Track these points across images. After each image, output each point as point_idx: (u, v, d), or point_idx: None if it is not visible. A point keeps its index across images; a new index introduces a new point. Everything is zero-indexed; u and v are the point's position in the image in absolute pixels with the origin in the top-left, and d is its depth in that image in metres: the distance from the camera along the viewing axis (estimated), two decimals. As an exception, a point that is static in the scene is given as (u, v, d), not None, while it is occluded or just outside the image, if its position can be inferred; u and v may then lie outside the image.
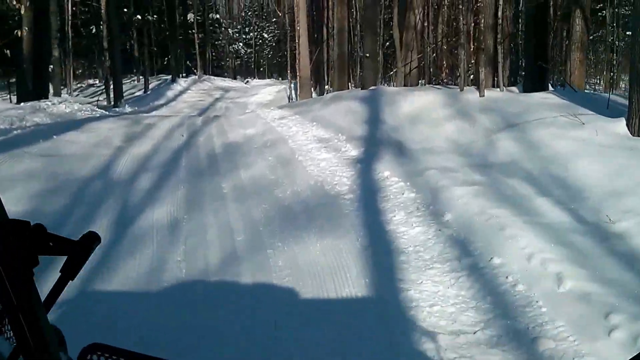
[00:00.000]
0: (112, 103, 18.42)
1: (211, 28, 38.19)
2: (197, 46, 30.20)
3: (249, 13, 59.56)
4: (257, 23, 56.51)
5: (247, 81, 47.70)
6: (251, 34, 55.20)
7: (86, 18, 36.05)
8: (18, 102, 12.17)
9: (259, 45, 55.23)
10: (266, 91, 27.37)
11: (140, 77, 32.88)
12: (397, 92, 9.09)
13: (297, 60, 17.64)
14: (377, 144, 7.38)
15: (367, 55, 10.09)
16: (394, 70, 13.68)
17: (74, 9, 35.55)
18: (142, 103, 20.96)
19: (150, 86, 26.20)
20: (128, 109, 18.51)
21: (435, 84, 16.32)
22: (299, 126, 9.34)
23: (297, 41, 17.25)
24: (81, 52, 37.35)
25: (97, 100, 19.95)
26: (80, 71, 37.82)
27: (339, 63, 13.49)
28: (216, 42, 39.31)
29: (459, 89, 9.03)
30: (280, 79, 53.46)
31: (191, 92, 26.01)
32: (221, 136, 9.24)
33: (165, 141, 8.70)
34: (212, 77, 33.20)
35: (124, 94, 24.71)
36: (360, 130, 8.17)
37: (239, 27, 57.14)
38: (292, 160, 7.15)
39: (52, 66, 16.67)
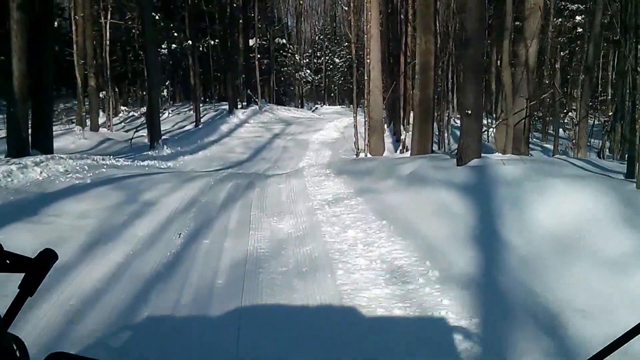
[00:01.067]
0: (148, 144, 15.71)
1: (276, 54, 35.68)
2: (257, 74, 27.55)
3: (321, 37, 57.17)
4: (329, 47, 53.97)
5: (316, 107, 45.01)
6: (322, 58, 52.74)
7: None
8: (8, 155, 9.51)
9: (330, 70, 52.56)
10: (333, 126, 24.18)
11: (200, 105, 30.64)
12: (521, 179, 5.50)
13: (366, 99, 14.35)
14: (502, 306, 3.84)
15: (469, 112, 6.56)
16: (498, 122, 10.04)
17: (133, 30, 34.20)
18: (189, 141, 18.27)
19: (205, 118, 23.65)
20: (167, 150, 15.79)
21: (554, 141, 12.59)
22: (359, 227, 5.91)
23: (366, 77, 13.95)
24: (142, 77, 35.94)
25: (133, 137, 17.32)
26: (141, 93, 36.34)
27: (422, 112, 9.93)
28: (282, 69, 36.75)
29: (627, 179, 5.37)
30: (350, 105, 50.39)
31: (248, 126, 23.26)
32: (238, 238, 5.96)
33: (145, 251, 5.51)
34: (275, 106, 30.51)
35: (174, 127, 22.26)
36: (465, 256, 4.65)
37: (310, 51, 54.79)
38: (343, 338, 3.74)
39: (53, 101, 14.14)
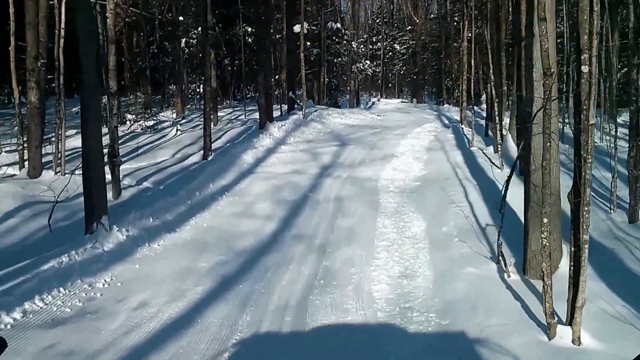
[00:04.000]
0: (85, 229, 7.79)
1: (329, 41, 27.22)
2: (303, 69, 19.26)
3: (377, 20, 48.11)
4: (387, 32, 44.93)
5: (373, 103, 36.35)
6: (379, 44, 43.80)
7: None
8: None
9: (389, 58, 43.61)
10: (408, 147, 15.66)
11: (227, 112, 22.65)
12: None
13: (529, 154, 5.95)
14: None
15: None
16: None
17: (159, 17, 26.70)
18: (180, 195, 10.29)
19: (223, 140, 15.74)
20: (117, 236, 7.81)
21: None
22: None
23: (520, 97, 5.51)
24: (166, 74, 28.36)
25: (56, 204, 9.07)
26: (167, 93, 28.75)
27: None
28: (336, 60, 28.26)
29: None
30: (414, 100, 41.37)
31: (285, 150, 15.15)
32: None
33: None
34: (326, 110, 22.24)
35: (174, 157, 14.34)
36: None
37: (365, 36, 45.92)
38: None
39: None
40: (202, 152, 13.53)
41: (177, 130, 16.74)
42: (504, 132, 14.08)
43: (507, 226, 6.69)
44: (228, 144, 14.74)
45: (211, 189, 11.19)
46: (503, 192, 7.08)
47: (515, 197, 7.22)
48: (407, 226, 9.08)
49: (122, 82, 25.76)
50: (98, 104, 8.07)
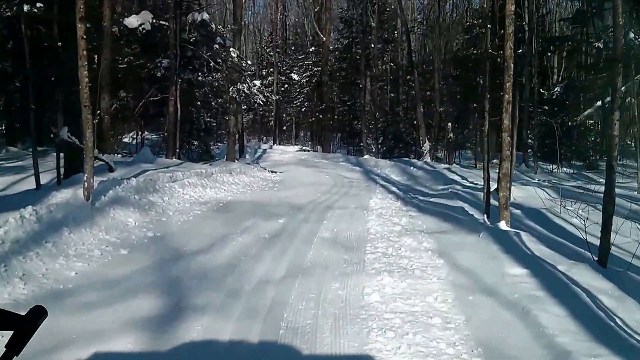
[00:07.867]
0: None
1: (192, 37, 15.08)
2: (84, 70, 6.90)
3: (268, 50, 37.02)
4: (282, 60, 33.90)
5: (263, 151, 24.77)
6: (270, 77, 32.59)
7: None
8: None
9: (283, 91, 32.33)
10: (408, 326, 3.99)
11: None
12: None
13: None
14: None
15: None
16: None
17: None
18: None
19: None
20: None
21: None
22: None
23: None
24: None
25: None
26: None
27: None
28: (201, 76, 16.03)
29: None
30: (318, 146, 30.00)
31: None
32: None
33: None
34: (169, 169, 9.96)
35: None
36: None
37: (253, 68, 34.14)
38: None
39: None
40: None
41: None
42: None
43: None
44: None
45: None
46: None
47: None
48: None
49: None
50: None
